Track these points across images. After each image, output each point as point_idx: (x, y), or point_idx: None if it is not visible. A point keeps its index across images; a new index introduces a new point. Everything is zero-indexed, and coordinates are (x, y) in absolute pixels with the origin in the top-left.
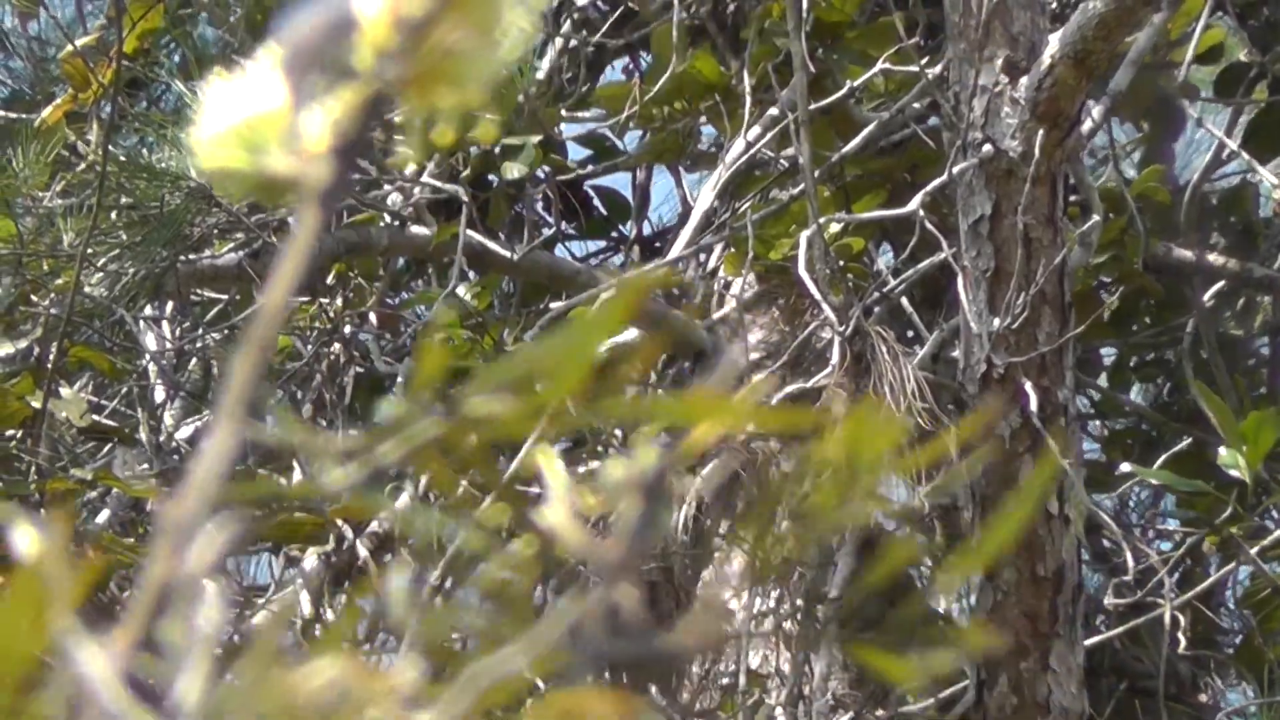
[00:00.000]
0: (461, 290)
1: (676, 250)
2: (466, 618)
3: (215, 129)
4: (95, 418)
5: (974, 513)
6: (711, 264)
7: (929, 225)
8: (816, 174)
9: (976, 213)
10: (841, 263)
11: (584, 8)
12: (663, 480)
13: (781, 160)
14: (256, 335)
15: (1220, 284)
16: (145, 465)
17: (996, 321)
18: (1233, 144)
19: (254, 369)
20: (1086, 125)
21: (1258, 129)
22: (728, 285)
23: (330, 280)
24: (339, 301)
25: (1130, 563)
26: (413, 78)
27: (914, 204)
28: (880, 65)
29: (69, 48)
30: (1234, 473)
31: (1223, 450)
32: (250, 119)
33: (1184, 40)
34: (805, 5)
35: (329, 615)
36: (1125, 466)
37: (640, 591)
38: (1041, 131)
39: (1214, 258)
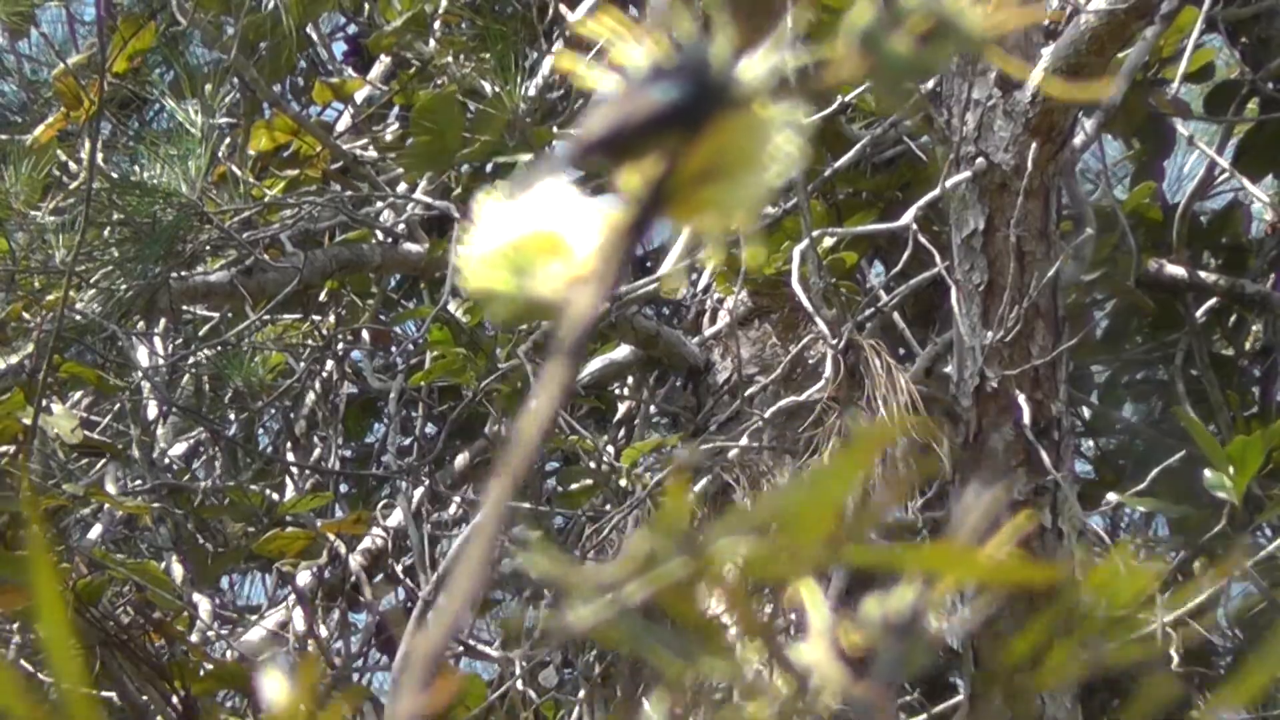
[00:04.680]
0: (453, 307)
1: (668, 265)
2: None
3: (483, 249)
4: (87, 434)
5: None
6: (703, 280)
7: (921, 239)
8: (809, 189)
9: (969, 226)
10: (834, 278)
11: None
12: (918, 619)
13: None
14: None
15: (1213, 301)
16: (138, 481)
17: (990, 335)
18: (1224, 162)
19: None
20: (1079, 139)
21: (1248, 147)
22: (720, 301)
23: (323, 298)
24: (331, 319)
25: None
26: (678, 200)
27: (907, 218)
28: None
29: (60, 66)
30: (1221, 495)
31: (1208, 473)
32: (518, 241)
33: (1176, 58)
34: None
35: (322, 631)
36: (1111, 496)
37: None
38: (1034, 145)
39: (1206, 275)
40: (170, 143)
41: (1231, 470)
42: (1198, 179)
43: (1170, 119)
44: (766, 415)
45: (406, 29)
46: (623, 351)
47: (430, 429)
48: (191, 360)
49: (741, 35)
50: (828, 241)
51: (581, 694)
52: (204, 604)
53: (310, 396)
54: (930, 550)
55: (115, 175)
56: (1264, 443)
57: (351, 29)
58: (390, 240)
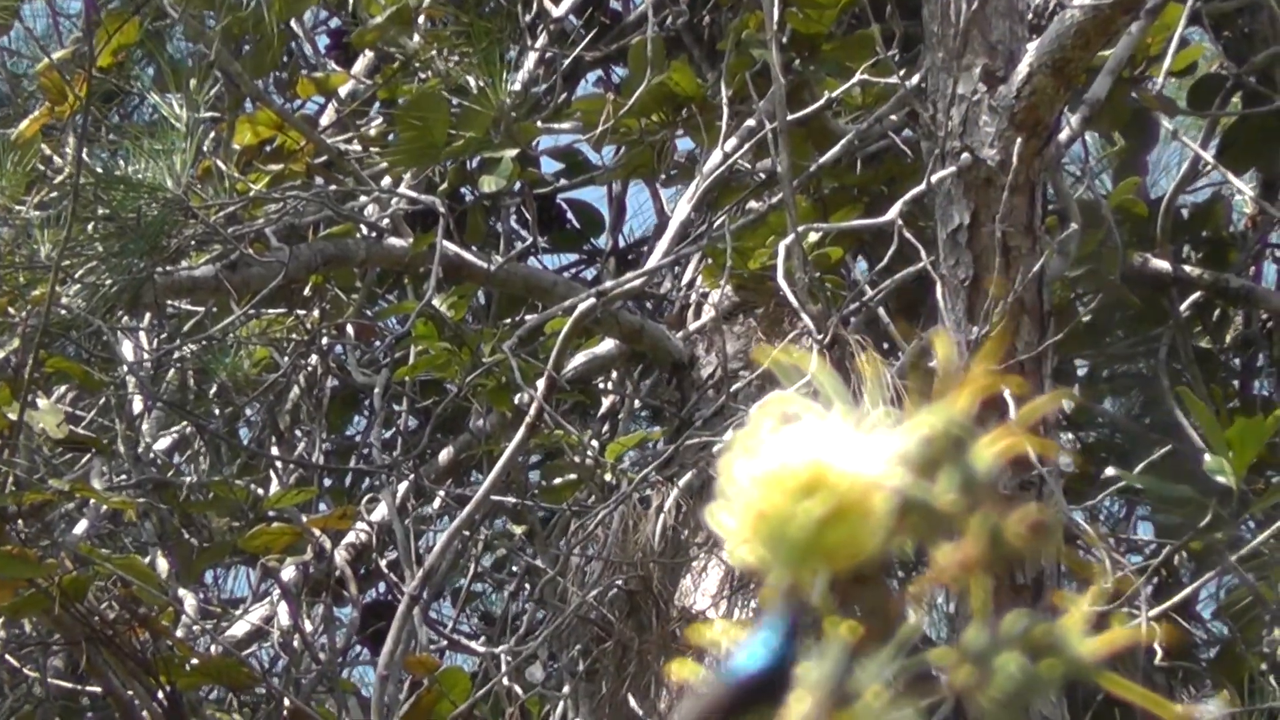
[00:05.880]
0: (437, 301)
1: (654, 261)
2: None
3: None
4: (72, 429)
5: None
6: (688, 275)
7: (906, 234)
8: (794, 184)
9: (955, 221)
10: (819, 273)
11: (560, 20)
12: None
13: (759, 173)
14: None
15: (1197, 295)
16: (123, 476)
17: (975, 330)
18: (1208, 156)
19: None
20: (1064, 134)
21: (1232, 142)
22: (705, 296)
23: (307, 292)
24: (316, 313)
25: (1108, 569)
26: None
27: (892, 213)
28: (859, 77)
29: (44, 61)
30: (1220, 479)
31: (1208, 457)
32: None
33: (1161, 56)
34: (783, 17)
35: (307, 625)
36: (1110, 470)
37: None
38: (1020, 140)
39: (1190, 269)
40: (154, 137)
41: (1231, 455)
42: (1181, 173)
43: (1154, 113)
44: (751, 410)
45: (390, 24)
46: (607, 346)
47: (413, 423)
48: (176, 355)
49: (858, 637)
50: (813, 236)
51: (566, 689)
52: (189, 599)
53: (294, 391)
54: None
55: (100, 170)
56: (1262, 428)
57: (334, 23)
58: (375, 235)
